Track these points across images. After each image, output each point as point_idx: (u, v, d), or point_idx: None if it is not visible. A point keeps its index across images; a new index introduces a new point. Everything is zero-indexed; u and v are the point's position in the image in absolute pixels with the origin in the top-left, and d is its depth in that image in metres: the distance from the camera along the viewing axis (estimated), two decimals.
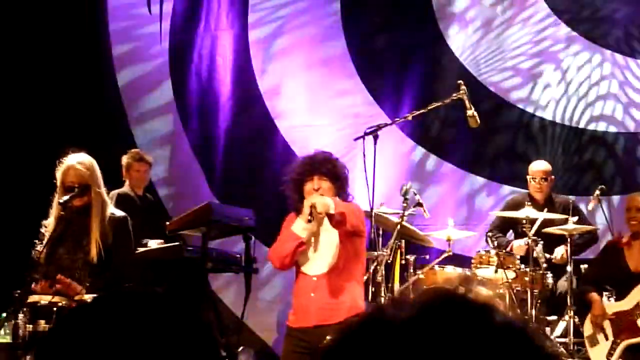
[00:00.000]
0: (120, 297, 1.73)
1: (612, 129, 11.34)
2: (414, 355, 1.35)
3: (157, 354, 1.62)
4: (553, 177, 9.83)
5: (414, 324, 1.37)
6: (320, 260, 7.71)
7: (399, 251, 9.04)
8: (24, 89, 11.67)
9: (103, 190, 7.37)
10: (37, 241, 7.37)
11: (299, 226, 7.63)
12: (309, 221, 7.47)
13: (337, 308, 7.47)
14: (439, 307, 1.38)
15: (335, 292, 7.72)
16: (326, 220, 7.61)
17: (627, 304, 8.60)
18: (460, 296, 1.41)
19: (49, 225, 7.32)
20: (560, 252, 9.36)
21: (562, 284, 9.37)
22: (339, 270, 7.58)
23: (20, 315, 6.90)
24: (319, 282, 7.65)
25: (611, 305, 8.62)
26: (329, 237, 7.70)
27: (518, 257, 9.30)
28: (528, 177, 9.72)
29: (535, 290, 9.00)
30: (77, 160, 7.25)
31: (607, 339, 8.72)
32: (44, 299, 6.95)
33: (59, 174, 7.25)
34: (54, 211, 7.29)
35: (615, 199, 10.66)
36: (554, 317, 9.26)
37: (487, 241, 9.64)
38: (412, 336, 1.35)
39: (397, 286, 9.03)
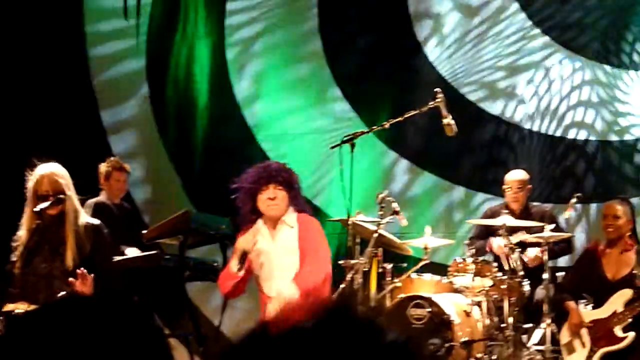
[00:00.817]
0: (66, 304, 1.73)
1: (592, 137, 11.35)
2: None
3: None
4: (529, 186, 9.77)
5: (293, 339, 1.39)
6: (280, 281, 7.78)
7: (376, 259, 9.00)
8: None
9: (76, 199, 7.34)
10: (12, 255, 7.31)
11: (234, 265, 7.80)
12: (240, 269, 7.72)
13: None
14: (319, 324, 1.39)
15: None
16: (286, 241, 7.81)
17: (604, 312, 8.59)
18: (346, 312, 1.41)
19: (21, 236, 7.26)
20: (533, 252, 9.34)
21: (540, 291, 9.23)
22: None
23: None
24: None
25: (588, 313, 8.61)
26: (289, 260, 7.83)
27: (495, 264, 9.22)
28: (504, 186, 9.67)
29: (512, 298, 8.94)
30: (52, 170, 7.22)
31: (584, 346, 8.75)
32: (19, 308, 6.90)
33: (31, 184, 7.20)
34: (25, 222, 7.25)
35: (593, 207, 10.69)
36: (531, 325, 9.18)
37: (466, 249, 9.52)
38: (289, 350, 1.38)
39: (373, 294, 9.14)
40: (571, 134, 11.38)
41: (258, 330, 1.43)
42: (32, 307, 6.69)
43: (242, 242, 7.83)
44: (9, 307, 6.96)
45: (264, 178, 7.68)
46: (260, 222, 7.86)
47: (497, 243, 9.30)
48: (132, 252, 9.76)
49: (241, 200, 7.83)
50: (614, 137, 11.27)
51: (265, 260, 7.87)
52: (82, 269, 6.99)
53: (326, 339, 1.38)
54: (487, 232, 9.54)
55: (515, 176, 9.69)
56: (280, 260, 7.88)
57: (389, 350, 1.40)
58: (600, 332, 8.50)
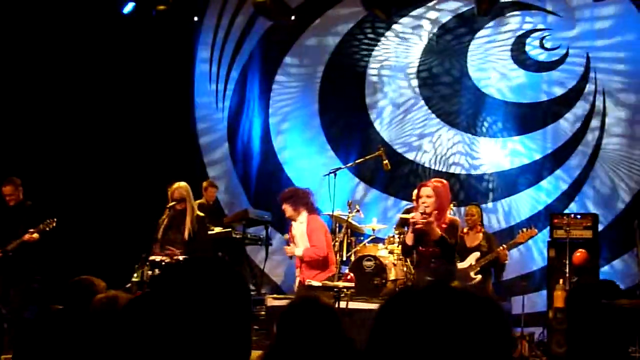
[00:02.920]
0: (193, 261, 1.71)
1: (462, 171, 11.56)
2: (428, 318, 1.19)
3: (214, 293, 1.55)
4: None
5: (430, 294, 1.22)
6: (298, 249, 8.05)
7: (346, 235, 9.09)
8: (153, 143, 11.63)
9: (192, 200, 7.84)
10: (157, 228, 7.78)
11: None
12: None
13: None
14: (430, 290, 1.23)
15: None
16: (299, 229, 7.96)
17: (465, 264, 8.75)
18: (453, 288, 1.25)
19: (163, 219, 7.79)
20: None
21: None
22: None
23: (145, 267, 7.48)
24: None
25: (458, 265, 8.02)
26: (302, 239, 8.04)
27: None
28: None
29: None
30: (179, 185, 7.77)
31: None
32: (158, 258, 7.50)
33: (169, 192, 7.76)
34: (165, 212, 7.81)
35: (462, 209, 10.09)
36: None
37: (393, 230, 9.21)
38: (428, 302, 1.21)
39: (345, 252, 8.95)
40: (452, 170, 11.58)
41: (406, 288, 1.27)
42: (165, 258, 7.46)
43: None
44: (153, 257, 7.54)
45: (281, 200, 8.14)
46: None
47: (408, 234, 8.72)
48: (217, 229, 10.26)
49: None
50: (473, 172, 11.51)
51: (293, 238, 8.18)
52: (172, 249, 7.49)
53: (444, 297, 1.22)
54: (405, 221, 8.48)
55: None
56: (297, 239, 8.13)
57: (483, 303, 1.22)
58: (462, 276, 8.36)
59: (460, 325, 1.20)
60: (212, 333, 1.52)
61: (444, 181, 6.83)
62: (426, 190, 6.41)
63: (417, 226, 6.31)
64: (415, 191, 6.86)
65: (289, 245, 8.34)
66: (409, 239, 6.46)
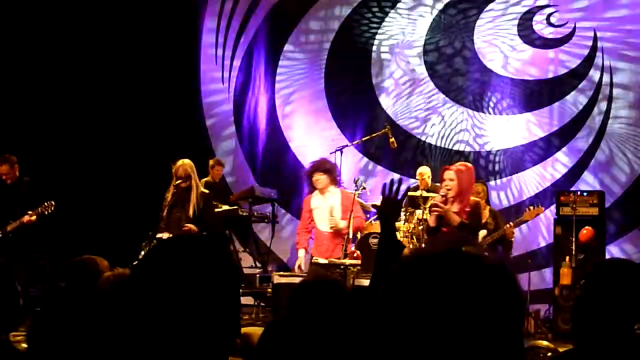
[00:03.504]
0: (182, 238, 1.69)
1: (468, 148, 11.62)
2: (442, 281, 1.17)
3: (200, 271, 1.55)
4: (429, 175, 9.70)
5: (439, 259, 1.20)
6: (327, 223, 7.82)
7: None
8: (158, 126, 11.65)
9: (197, 178, 7.82)
10: (162, 206, 7.76)
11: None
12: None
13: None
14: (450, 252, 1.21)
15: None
16: (332, 202, 7.75)
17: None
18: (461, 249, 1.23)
19: (168, 197, 7.73)
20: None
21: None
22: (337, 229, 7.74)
23: (152, 245, 7.39)
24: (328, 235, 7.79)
25: None
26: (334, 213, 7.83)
27: (415, 217, 9.08)
28: (417, 176, 9.79)
29: (424, 235, 8.07)
30: (184, 162, 7.69)
31: None
32: (164, 236, 7.47)
33: (174, 169, 7.67)
34: (170, 190, 7.72)
35: None
36: None
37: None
38: (439, 267, 1.19)
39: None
40: (456, 147, 11.70)
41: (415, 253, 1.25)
42: (171, 235, 7.29)
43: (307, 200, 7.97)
44: (159, 235, 7.54)
45: (312, 169, 7.84)
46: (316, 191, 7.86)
47: (418, 213, 9.06)
48: (224, 207, 10.26)
49: (306, 178, 7.94)
50: (477, 148, 11.56)
51: (317, 211, 7.86)
52: (188, 225, 7.47)
53: (457, 259, 1.20)
54: (410, 199, 9.37)
55: (420, 170, 9.85)
56: (323, 212, 7.81)
57: (494, 268, 1.20)
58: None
59: (472, 291, 1.19)
60: (198, 312, 1.52)
61: (469, 165, 6.86)
62: (449, 174, 6.48)
63: (434, 211, 6.40)
64: (439, 173, 6.94)
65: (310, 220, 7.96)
66: (432, 221, 6.55)
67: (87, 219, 10.86)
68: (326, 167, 7.82)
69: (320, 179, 7.71)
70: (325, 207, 7.76)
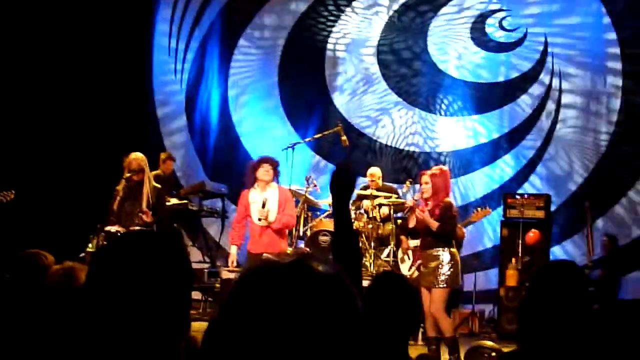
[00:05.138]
0: (133, 235, 1.70)
1: (416, 149, 11.69)
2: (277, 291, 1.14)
3: (153, 267, 1.56)
4: (379, 176, 9.75)
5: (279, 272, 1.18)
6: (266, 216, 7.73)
7: (303, 210, 9.34)
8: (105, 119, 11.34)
9: (149, 171, 7.71)
10: (112, 199, 7.57)
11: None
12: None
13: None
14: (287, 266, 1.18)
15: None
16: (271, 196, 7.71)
17: (417, 242, 8.39)
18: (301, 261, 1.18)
19: (118, 190, 7.59)
20: (385, 209, 9.43)
21: (387, 229, 9.43)
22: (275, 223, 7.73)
23: (100, 237, 7.40)
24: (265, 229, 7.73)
25: (411, 242, 8.72)
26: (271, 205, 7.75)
27: (365, 215, 9.38)
28: (368, 176, 9.80)
29: (373, 234, 9.28)
30: (137, 155, 7.60)
31: (409, 259, 8.85)
32: (113, 229, 7.37)
33: (126, 162, 7.54)
34: (121, 182, 7.57)
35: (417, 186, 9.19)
36: (382, 247, 9.44)
37: (351, 205, 9.19)
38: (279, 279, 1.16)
39: (302, 227, 9.24)
40: (407, 148, 11.72)
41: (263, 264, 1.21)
42: (120, 228, 7.33)
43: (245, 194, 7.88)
44: (108, 228, 7.40)
45: (262, 160, 7.81)
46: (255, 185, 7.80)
47: (366, 203, 9.54)
48: (174, 201, 10.16)
49: (249, 174, 7.82)
50: (428, 149, 11.65)
51: (254, 205, 7.79)
52: (146, 209, 7.41)
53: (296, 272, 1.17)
54: (361, 197, 9.68)
55: (370, 171, 9.88)
56: (260, 206, 7.71)
57: (327, 278, 1.18)
58: (417, 253, 8.19)
59: (305, 300, 1.17)
60: (150, 307, 1.53)
61: (444, 168, 7.60)
62: (425, 178, 7.25)
63: (417, 217, 7.18)
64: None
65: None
66: (412, 222, 7.30)
67: (34, 210, 10.59)
68: (274, 162, 7.88)
69: (269, 171, 7.75)
70: (259, 201, 7.77)
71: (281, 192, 7.85)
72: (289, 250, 8.07)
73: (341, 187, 2.84)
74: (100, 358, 1.50)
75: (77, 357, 1.53)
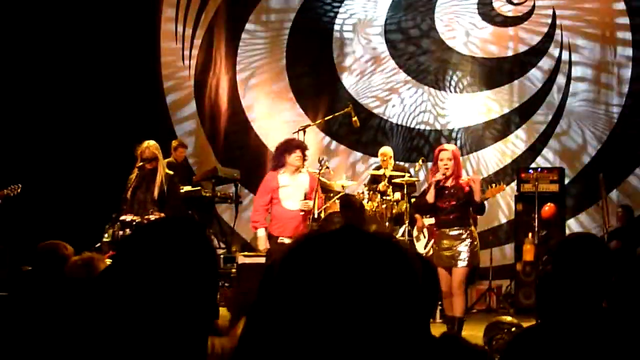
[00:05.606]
0: (165, 220, 1.82)
1: (427, 127, 11.75)
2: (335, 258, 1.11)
3: (181, 255, 1.55)
4: (390, 155, 9.77)
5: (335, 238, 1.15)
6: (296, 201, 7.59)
7: (319, 191, 8.92)
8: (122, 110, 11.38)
9: (162, 159, 7.74)
10: (126, 188, 7.62)
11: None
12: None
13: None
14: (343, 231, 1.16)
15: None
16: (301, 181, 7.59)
17: (431, 219, 8.39)
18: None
19: (131, 179, 7.63)
20: (397, 195, 9.38)
21: (401, 208, 9.35)
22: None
23: (116, 227, 7.54)
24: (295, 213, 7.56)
25: (426, 221, 8.88)
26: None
27: (379, 195, 9.32)
28: (380, 156, 9.90)
29: (388, 213, 9.31)
30: (150, 143, 7.60)
31: (425, 237, 9.02)
32: (128, 218, 7.45)
33: (139, 150, 7.58)
34: (134, 171, 7.63)
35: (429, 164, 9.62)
36: (397, 226, 9.41)
37: (363, 187, 9.65)
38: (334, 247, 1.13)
39: (316, 210, 8.37)
40: (418, 127, 11.74)
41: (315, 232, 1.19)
42: (135, 217, 7.38)
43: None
44: (123, 217, 7.47)
45: (296, 146, 7.59)
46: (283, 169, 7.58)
47: (382, 183, 9.43)
48: (187, 188, 10.14)
49: (279, 155, 7.60)
50: (439, 127, 11.65)
51: (286, 189, 7.59)
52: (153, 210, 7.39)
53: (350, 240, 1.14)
54: (375, 177, 9.72)
55: (381, 150, 9.95)
56: (291, 192, 7.59)
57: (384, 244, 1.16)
58: (433, 230, 8.20)
59: (362, 265, 1.15)
60: (179, 295, 1.52)
61: (454, 146, 7.36)
62: (446, 154, 6.88)
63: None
64: (435, 153, 7.16)
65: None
66: (431, 197, 6.91)
67: (49, 201, 10.65)
68: (305, 147, 7.69)
69: (301, 157, 7.55)
70: (296, 187, 7.58)
71: (312, 179, 7.69)
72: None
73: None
74: (127, 348, 1.49)
75: (101, 347, 1.52)
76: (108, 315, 1.52)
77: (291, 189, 7.56)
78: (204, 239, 1.61)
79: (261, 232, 7.64)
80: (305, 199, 7.62)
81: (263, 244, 7.71)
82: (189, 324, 1.53)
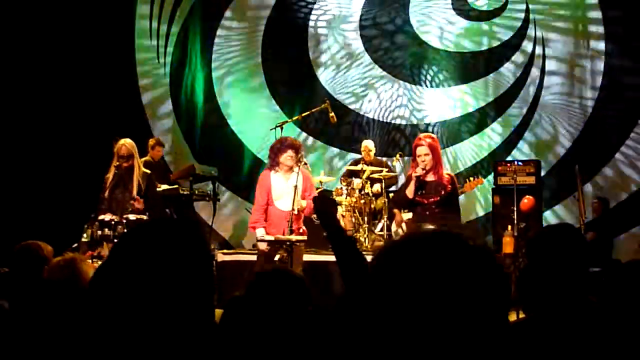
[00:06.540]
0: (157, 221, 1.68)
1: (403, 122, 11.77)
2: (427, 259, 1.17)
3: (177, 255, 1.54)
4: (372, 149, 9.97)
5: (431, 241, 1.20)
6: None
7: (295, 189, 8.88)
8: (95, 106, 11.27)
9: (138, 157, 7.73)
10: (103, 188, 7.57)
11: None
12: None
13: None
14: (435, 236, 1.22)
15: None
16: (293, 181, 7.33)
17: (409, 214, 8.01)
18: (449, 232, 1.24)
19: (108, 178, 7.58)
20: (376, 187, 9.55)
21: (379, 203, 9.56)
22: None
23: (94, 226, 7.36)
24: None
25: (405, 215, 8.48)
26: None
27: (357, 191, 9.34)
28: (362, 148, 10.06)
29: (366, 208, 9.35)
30: (126, 141, 7.57)
31: (403, 232, 8.44)
32: (107, 217, 7.36)
33: (116, 149, 7.53)
34: (111, 169, 7.56)
35: (407, 159, 10.76)
36: (375, 221, 9.57)
37: (341, 182, 9.71)
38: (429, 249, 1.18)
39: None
40: (395, 121, 11.77)
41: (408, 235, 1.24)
42: (114, 217, 7.29)
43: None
44: (102, 217, 7.36)
45: (288, 146, 7.37)
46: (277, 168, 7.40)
47: (357, 182, 9.47)
48: (164, 187, 10.00)
49: (273, 154, 7.40)
50: (415, 122, 11.67)
51: (278, 189, 7.42)
52: (137, 196, 7.44)
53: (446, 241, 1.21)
54: (353, 172, 9.76)
55: (369, 143, 10.12)
56: (282, 191, 7.41)
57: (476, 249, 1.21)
58: (411, 225, 7.82)
59: (459, 270, 1.20)
60: (175, 297, 1.51)
61: (434, 135, 7.22)
62: (423, 149, 6.79)
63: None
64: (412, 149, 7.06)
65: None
66: (410, 192, 6.81)
67: (25, 200, 10.55)
68: (298, 146, 7.48)
69: (292, 156, 7.33)
70: (290, 187, 7.37)
71: (305, 178, 7.51)
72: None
73: (324, 210, 3.11)
74: (124, 349, 1.48)
75: (97, 349, 1.50)
76: (103, 316, 1.50)
77: (284, 190, 7.41)
78: (198, 237, 1.60)
79: (260, 232, 7.40)
80: (300, 198, 7.45)
81: (263, 244, 7.50)
82: (185, 325, 1.52)
